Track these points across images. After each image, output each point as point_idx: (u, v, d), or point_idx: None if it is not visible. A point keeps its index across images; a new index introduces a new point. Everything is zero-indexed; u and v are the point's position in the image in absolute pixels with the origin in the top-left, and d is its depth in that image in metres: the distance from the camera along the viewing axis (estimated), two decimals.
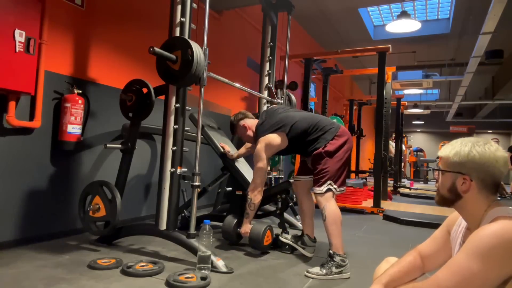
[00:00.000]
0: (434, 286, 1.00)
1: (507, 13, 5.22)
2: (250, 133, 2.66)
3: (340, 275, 2.17)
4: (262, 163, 2.43)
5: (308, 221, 2.62)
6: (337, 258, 2.19)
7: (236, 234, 2.68)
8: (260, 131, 2.52)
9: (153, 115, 2.61)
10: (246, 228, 2.56)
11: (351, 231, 3.54)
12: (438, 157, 1.19)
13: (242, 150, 2.94)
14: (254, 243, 2.56)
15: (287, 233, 2.71)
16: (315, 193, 2.34)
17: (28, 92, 2.38)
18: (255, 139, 2.58)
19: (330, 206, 2.28)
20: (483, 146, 1.06)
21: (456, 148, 1.09)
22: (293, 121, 2.44)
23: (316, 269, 2.18)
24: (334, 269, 2.17)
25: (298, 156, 4.42)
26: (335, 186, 2.32)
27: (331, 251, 2.23)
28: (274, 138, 2.44)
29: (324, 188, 2.30)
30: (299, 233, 2.68)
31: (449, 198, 1.11)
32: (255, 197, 2.48)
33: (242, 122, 2.69)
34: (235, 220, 2.68)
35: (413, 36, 7.41)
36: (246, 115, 2.73)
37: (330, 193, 2.30)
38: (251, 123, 2.67)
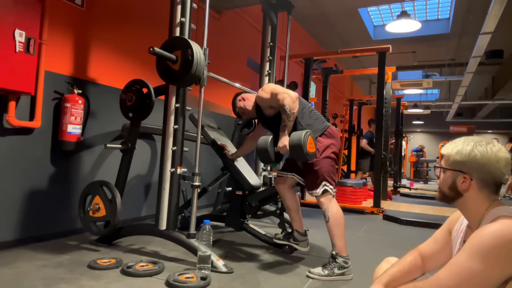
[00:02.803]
0: (435, 286, 0.99)
1: (507, 13, 5.22)
2: (249, 103, 2.62)
3: (343, 276, 2.16)
4: (281, 89, 2.32)
5: (294, 217, 2.54)
6: (339, 260, 2.18)
7: (273, 152, 2.38)
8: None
9: (153, 115, 2.61)
10: (285, 140, 2.24)
11: (351, 231, 3.53)
12: (437, 157, 1.19)
13: (242, 148, 2.90)
14: (296, 151, 2.18)
15: (287, 233, 2.70)
16: (314, 196, 2.33)
17: (28, 92, 2.38)
18: (255, 110, 2.58)
19: (333, 207, 2.26)
20: (485, 146, 1.06)
21: (458, 147, 1.10)
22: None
23: (318, 270, 2.18)
24: (336, 270, 2.16)
25: None
26: (331, 187, 2.31)
27: (333, 252, 2.22)
28: (279, 85, 2.45)
29: (320, 190, 2.29)
30: (290, 230, 2.66)
31: (450, 196, 1.12)
32: (294, 104, 2.25)
33: (239, 96, 2.69)
34: (270, 138, 2.39)
35: (413, 36, 7.42)
36: (246, 92, 2.77)
37: (328, 194, 2.29)
38: (250, 95, 2.67)
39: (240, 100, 2.67)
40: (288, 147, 2.22)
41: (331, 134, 2.39)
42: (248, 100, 2.62)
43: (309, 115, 2.40)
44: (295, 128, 2.35)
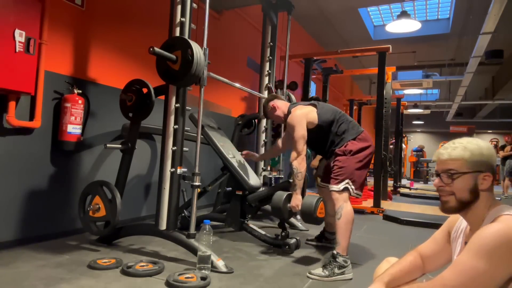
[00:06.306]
0: (439, 286, 0.99)
1: (507, 13, 5.22)
2: (279, 113, 2.67)
3: (343, 276, 2.17)
4: (301, 129, 2.38)
5: (331, 220, 2.67)
6: (339, 259, 2.19)
7: (286, 210, 2.51)
8: (292, 107, 2.58)
9: (153, 115, 2.61)
10: (297, 200, 2.38)
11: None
12: (434, 160, 1.17)
13: (267, 152, 2.98)
14: (306, 216, 2.39)
15: (287, 233, 2.70)
16: (332, 190, 2.34)
17: (28, 92, 2.38)
18: (285, 119, 2.60)
19: (347, 206, 2.30)
20: (486, 142, 1.09)
21: (469, 147, 1.07)
22: (322, 107, 2.51)
23: (319, 271, 2.18)
24: (336, 270, 2.16)
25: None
26: (353, 187, 2.32)
27: (335, 252, 2.23)
28: (309, 110, 2.49)
29: (341, 186, 2.31)
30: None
31: (469, 200, 1.07)
32: (300, 165, 2.34)
33: (271, 103, 2.71)
34: (285, 195, 2.50)
35: (413, 36, 7.41)
36: (276, 96, 2.78)
37: (347, 193, 2.31)
38: (281, 103, 2.70)
39: (271, 109, 2.70)
40: (299, 207, 2.38)
41: (364, 139, 2.45)
42: (279, 110, 2.68)
43: (343, 120, 2.47)
44: (328, 137, 2.46)
